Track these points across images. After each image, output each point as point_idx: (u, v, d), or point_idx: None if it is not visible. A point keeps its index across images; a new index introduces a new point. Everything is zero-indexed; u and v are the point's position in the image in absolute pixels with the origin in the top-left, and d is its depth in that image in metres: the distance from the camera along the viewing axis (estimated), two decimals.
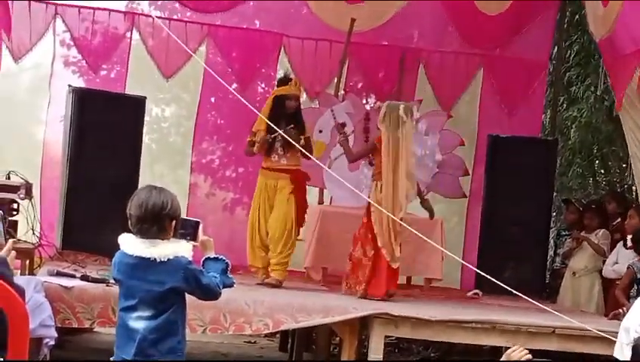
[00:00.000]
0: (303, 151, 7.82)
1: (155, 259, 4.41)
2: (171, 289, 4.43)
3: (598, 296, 8.99)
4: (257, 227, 8.16)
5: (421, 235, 6.82)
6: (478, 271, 7.18)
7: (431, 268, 9.11)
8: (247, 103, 7.30)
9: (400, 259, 7.76)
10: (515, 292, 5.93)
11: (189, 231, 4.57)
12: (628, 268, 8.07)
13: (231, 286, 4.68)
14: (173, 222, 4.48)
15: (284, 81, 8.45)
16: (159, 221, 4.43)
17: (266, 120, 7.74)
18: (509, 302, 8.01)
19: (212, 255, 4.64)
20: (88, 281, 6.74)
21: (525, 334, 7.03)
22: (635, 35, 9.14)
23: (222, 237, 9.45)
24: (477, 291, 9.10)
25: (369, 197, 7.84)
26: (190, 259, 4.49)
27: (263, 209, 8.15)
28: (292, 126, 8.00)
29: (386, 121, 7.77)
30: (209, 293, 4.56)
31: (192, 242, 4.58)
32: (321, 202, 9.67)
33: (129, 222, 4.51)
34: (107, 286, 6.54)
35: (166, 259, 4.42)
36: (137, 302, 4.45)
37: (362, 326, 7.03)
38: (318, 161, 7.74)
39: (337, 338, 8.61)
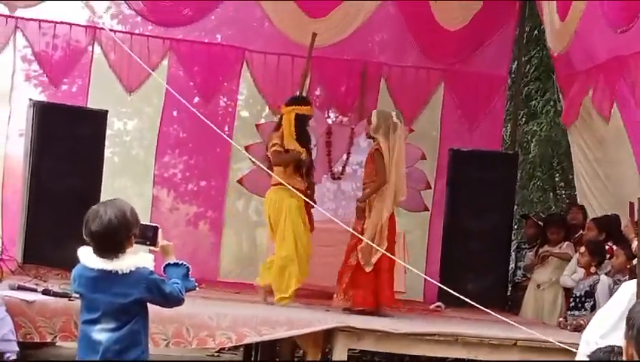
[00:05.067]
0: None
1: (117, 271, 4.40)
2: (135, 301, 4.43)
3: (561, 309, 9.03)
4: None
5: (385, 252, 6.83)
6: (442, 286, 7.20)
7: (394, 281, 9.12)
8: (207, 120, 7.27)
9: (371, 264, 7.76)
10: (477, 306, 5.97)
11: (148, 236, 4.57)
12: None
13: (193, 289, 4.69)
14: (132, 233, 4.47)
15: (305, 101, 8.42)
16: (116, 237, 4.40)
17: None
18: (471, 315, 8.04)
19: (172, 260, 4.64)
20: (50, 295, 6.70)
21: (487, 346, 7.06)
22: (591, 51, 9.24)
23: (186, 251, 9.43)
24: (440, 304, 9.13)
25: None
26: (151, 269, 4.48)
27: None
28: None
29: (381, 129, 7.81)
30: (172, 301, 4.58)
31: (152, 247, 4.57)
32: None
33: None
34: (69, 300, 6.50)
35: (128, 271, 4.40)
36: (101, 315, 4.44)
37: (325, 338, 7.02)
38: (277, 177, 7.75)
39: (301, 351, 8.60)
